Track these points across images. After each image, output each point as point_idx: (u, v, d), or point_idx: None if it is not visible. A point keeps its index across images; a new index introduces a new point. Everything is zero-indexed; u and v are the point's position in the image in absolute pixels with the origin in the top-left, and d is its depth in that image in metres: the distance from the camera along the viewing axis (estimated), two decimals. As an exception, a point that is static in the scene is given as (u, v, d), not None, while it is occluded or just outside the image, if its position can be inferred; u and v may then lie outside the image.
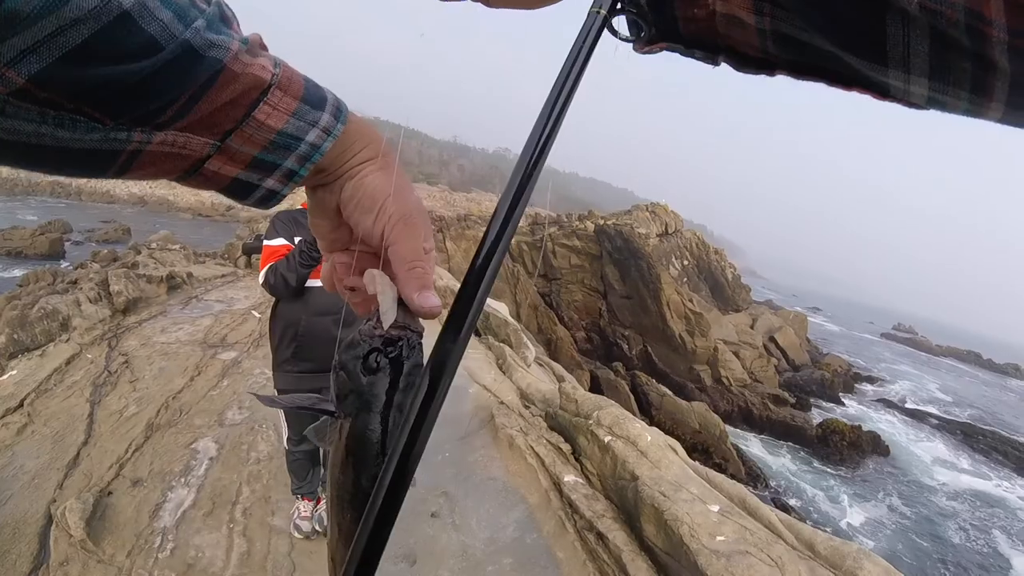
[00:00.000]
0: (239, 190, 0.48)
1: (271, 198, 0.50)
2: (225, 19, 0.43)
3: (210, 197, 77.04)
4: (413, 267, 0.53)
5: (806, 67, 0.48)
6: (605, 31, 0.51)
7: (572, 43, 0.50)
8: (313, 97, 0.47)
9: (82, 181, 74.95)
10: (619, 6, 0.52)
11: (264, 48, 0.47)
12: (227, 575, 2.96)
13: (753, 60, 0.50)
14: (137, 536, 3.13)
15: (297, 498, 3.35)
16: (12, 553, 2.93)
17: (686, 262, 39.14)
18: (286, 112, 0.45)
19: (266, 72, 0.44)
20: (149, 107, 0.39)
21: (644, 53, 0.55)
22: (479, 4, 0.57)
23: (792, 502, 21.12)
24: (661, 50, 0.54)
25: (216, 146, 0.43)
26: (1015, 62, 0.36)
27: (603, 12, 0.48)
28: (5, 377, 4.80)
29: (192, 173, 0.45)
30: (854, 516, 21.25)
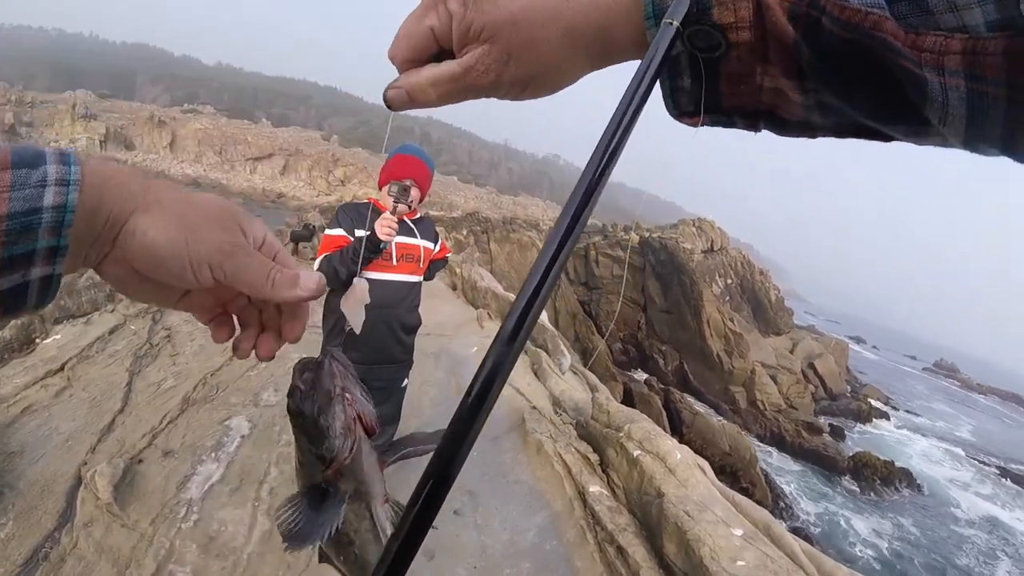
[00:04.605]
0: (12, 300, 0.40)
1: (50, 286, 0.42)
2: None
3: (261, 183, 78.33)
4: (270, 279, 0.50)
5: (848, 129, 0.48)
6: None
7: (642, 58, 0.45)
8: (26, 157, 0.39)
9: (137, 159, 76.33)
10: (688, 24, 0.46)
11: None
12: (247, 551, 2.98)
13: (795, 124, 0.50)
14: (163, 505, 3.18)
15: (323, 484, 3.38)
16: (39, 510, 2.99)
17: (729, 281, 38.57)
18: (3, 189, 0.37)
19: None
20: None
21: (687, 124, 0.53)
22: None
23: (808, 508, 21.19)
24: (702, 124, 0.52)
25: None
26: None
27: (675, 24, 0.44)
28: (49, 340, 4.92)
29: None
30: (860, 525, 21.34)
